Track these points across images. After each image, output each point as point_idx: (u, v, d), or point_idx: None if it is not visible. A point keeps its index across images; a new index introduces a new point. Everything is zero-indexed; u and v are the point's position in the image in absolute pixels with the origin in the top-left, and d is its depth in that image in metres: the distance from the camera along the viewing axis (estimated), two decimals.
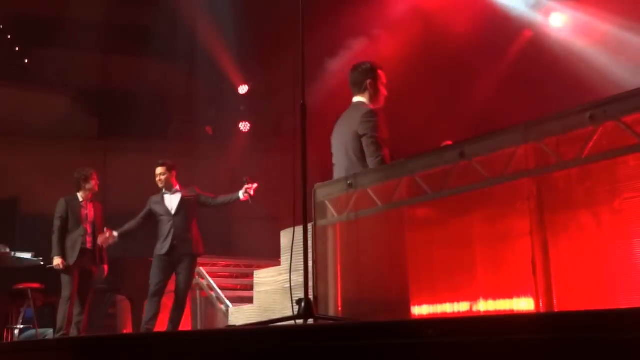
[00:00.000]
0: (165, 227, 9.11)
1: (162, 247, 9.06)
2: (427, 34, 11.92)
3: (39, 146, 13.63)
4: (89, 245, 9.08)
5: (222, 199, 9.30)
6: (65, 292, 8.85)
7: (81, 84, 14.52)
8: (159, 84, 14.13)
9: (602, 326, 2.55)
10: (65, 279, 8.89)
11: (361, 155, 5.78)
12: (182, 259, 9.01)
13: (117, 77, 14.16)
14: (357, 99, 5.99)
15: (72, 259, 8.89)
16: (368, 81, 5.97)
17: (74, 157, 12.07)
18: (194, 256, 9.13)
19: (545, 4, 11.71)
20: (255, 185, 9.01)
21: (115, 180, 12.75)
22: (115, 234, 9.07)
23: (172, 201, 9.21)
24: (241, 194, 9.00)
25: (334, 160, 6.13)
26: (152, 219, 9.25)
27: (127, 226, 9.21)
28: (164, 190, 9.28)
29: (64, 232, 8.98)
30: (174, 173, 9.28)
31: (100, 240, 9.01)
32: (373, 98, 5.98)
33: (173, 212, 9.14)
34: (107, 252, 9.36)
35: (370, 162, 5.67)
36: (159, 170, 9.28)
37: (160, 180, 9.25)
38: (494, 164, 4.53)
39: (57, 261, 8.84)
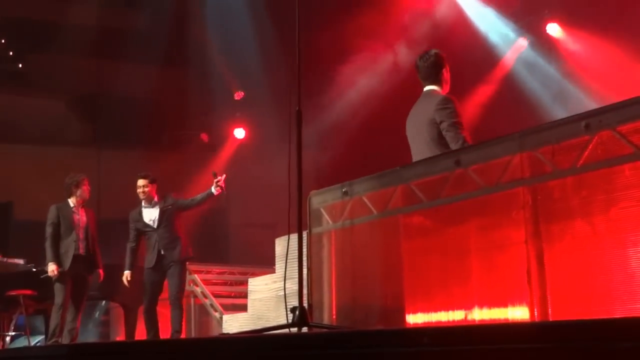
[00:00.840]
0: (151, 239, 9.19)
1: (151, 260, 9.14)
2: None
3: (33, 151, 13.62)
4: (81, 251, 9.02)
5: (199, 196, 9.37)
6: (58, 299, 8.81)
7: (75, 90, 14.51)
8: (154, 90, 14.13)
9: (597, 336, 2.56)
10: (58, 285, 8.85)
11: (439, 142, 5.71)
12: (170, 266, 9.04)
13: (111, 82, 14.15)
14: (429, 87, 5.91)
15: (66, 265, 8.85)
16: (442, 70, 5.97)
17: (67, 162, 12.05)
18: (183, 261, 9.15)
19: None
20: (224, 176, 9.12)
21: (109, 187, 12.74)
22: (128, 273, 9.16)
23: (152, 214, 9.25)
24: (213, 189, 9.07)
25: (412, 150, 6.04)
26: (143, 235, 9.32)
27: (130, 257, 9.27)
28: (143, 204, 9.31)
29: (57, 238, 8.95)
30: (155, 186, 9.31)
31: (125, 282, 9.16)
32: (444, 86, 5.98)
33: (155, 225, 9.20)
34: (101, 257, 9.34)
35: (453, 147, 5.55)
36: (142, 182, 9.30)
37: (143, 192, 9.26)
38: (490, 172, 4.54)
39: (51, 267, 8.80)
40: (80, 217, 9.12)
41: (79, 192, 9.16)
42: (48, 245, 8.94)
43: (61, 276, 8.85)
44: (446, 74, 6.02)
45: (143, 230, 9.25)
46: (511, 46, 12.25)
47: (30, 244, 9.70)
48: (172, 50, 13.58)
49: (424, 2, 12.27)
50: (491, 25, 12.18)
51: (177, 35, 13.35)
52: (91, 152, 13.70)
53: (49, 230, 8.99)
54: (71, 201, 9.16)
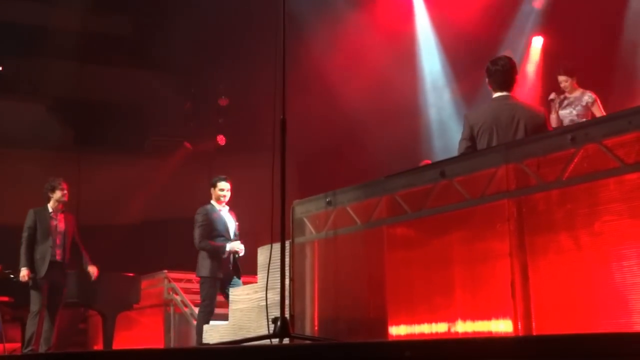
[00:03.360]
0: (225, 248, 8.69)
1: (216, 269, 8.64)
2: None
3: (11, 156, 13.53)
4: (58, 258, 8.94)
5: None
6: (34, 306, 8.74)
7: (56, 93, 14.44)
8: (136, 95, 14.10)
9: (581, 350, 2.57)
10: (34, 292, 8.78)
11: None
12: (231, 279, 8.69)
13: (93, 87, 14.10)
14: (502, 93, 5.72)
15: (42, 271, 8.78)
16: (516, 77, 5.89)
17: (47, 167, 11.96)
18: (239, 276, 8.83)
19: None
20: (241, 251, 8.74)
21: (90, 192, 12.68)
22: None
23: (230, 222, 8.90)
24: (229, 247, 8.67)
25: None
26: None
27: (207, 244, 8.71)
28: (217, 207, 8.91)
29: (32, 243, 8.87)
30: None
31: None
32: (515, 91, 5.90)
33: (232, 235, 8.83)
34: (90, 258, 9.22)
35: None
36: (227, 185, 8.93)
37: (225, 196, 8.88)
38: (475, 184, 4.56)
39: (23, 272, 8.71)
40: (58, 223, 9.05)
41: (55, 197, 9.08)
42: (23, 249, 8.87)
43: (37, 283, 8.78)
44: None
45: (216, 232, 8.79)
46: None
47: (7, 249, 9.60)
48: (155, 55, 13.54)
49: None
50: None
51: (161, 40, 13.31)
52: (71, 157, 13.61)
53: (24, 234, 8.93)
54: (50, 206, 9.10)
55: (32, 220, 8.96)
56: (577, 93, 8.07)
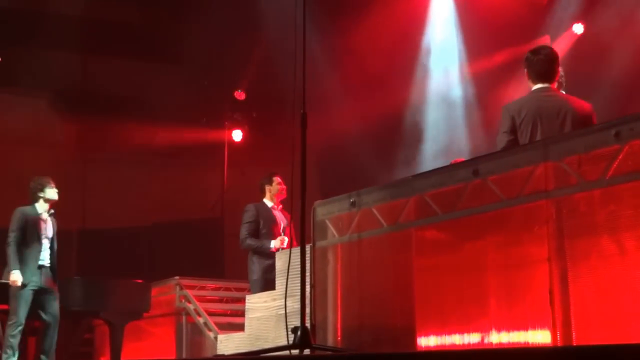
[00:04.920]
0: (265, 246, 8.67)
1: (265, 273, 8.51)
2: None
3: (10, 154, 13.65)
4: (46, 262, 8.86)
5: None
6: (16, 316, 8.61)
7: (59, 86, 14.54)
8: (146, 88, 14.16)
9: None
10: (20, 300, 8.64)
11: None
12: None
13: (99, 79, 14.19)
14: (543, 85, 5.69)
15: (28, 277, 8.68)
16: (558, 68, 5.84)
17: (49, 166, 12.07)
18: None
19: None
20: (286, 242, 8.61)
21: (95, 193, 12.78)
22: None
23: (282, 220, 8.88)
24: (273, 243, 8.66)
25: None
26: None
27: (255, 242, 8.74)
28: (268, 204, 8.94)
29: (21, 245, 8.80)
30: None
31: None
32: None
33: (283, 233, 8.75)
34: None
35: None
36: (279, 180, 8.94)
37: (281, 191, 8.91)
38: (510, 183, 4.58)
39: (14, 277, 8.62)
40: (47, 225, 8.99)
41: (44, 195, 8.96)
42: (11, 251, 8.76)
43: (23, 290, 8.69)
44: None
45: (262, 234, 8.78)
46: None
47: (4, 253, 9.68)
48: (165, 45, 13.60)
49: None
50: None
51: (171, 29, 13.38)
52: (75, 155, 13.72)
53: (12, 235, 8.80)
54: (38, 206, 9.02)
55: (21, 219, 8.87)
56: None
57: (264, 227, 8.82)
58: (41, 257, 8.86)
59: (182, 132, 14.50)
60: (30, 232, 8.89)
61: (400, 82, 12.52)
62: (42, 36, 13.44)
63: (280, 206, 9.00)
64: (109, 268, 9.48)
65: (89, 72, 14.34)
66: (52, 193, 9.01)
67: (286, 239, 8.63)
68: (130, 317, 10.12)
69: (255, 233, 8.79)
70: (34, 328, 9.29)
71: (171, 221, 13.46)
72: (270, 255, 8.49)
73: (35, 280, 8.77)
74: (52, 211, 9.10)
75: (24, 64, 13.94)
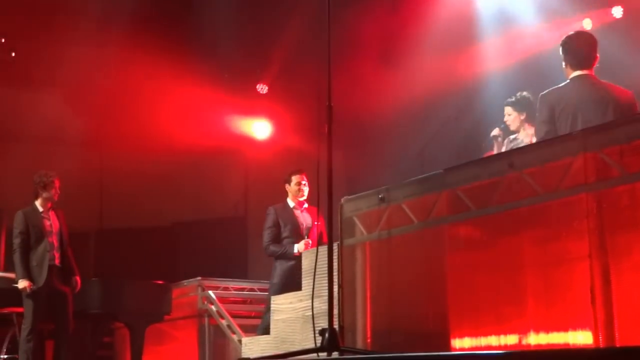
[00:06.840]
0: (289, 250, 8.71)
1: (292, 273, 8.39)
2: None
3: (27, 153, 13.75)
4: (57, 262, 8.82)
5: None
6: (29, 321, 8.62)
7: (76, 83, 14.64)
8: (164, 82, 14.21)
9: None
10: (30, 304, 8.63)
11: None
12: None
13: (118, 74, 14.26)
14: (582, 72, 5.65)
15: (40, 280, 8.67)
16: (596, 55, 5.77)
17: (67, 165, 12.15)
18: None
19: None
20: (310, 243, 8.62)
21: (113, 192, 12.84)
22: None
23: (306, 220, 8.92)
24: (296, 248, 8.67)
25: None
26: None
27: (278, 247, 8.79)
28: (290, 204, 8.98)
29: (27, 249, 8.74)
30: None
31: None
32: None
33: (306, 235, 8.78)
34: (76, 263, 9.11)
35: None
36: (303, 179, 8.93)
37: (303, 190, 8.91)
38: (548, 176, 4.54)
39: (23, 284, 8.59)
40: (52, 222, 8.94)
41: (45, 195, 8.90)
42: (17, 258, 8.75)
43: (34, 294, 8.66)
44: None
45: (284, 237, 8.83)
46: None
47: None
48: (188, 37, 13.63)
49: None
50: None
51: (193, 21, 13.42)
52: (93, 153, 13.80)
53: (16, 240, 8.80)
54: (38, 204, 8.97)
55: (23, 223, 8.81)
56: (528, 131, 7.27)
57: (285, 230, 8.88)
58: (50, 257, 8.81)
59: (204, 127, 14.54)
60: (34, 233, 8.85)
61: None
62: (59, 30, 13.53)
63: (305, 205, 8.99)
64: (128, 269, 9.50)
65: (108, 67, 14.40)
66: (49, 194, 8.91)
67: (310, 242, 8.63)
68: (151, 319, 10.15)
69: (277, 238, 8.86)
70: (50, 331, 9.34)
71: (192, 220, 13.50)
72: (294, 256, 8.52)
73: (45, 283, 8.72)
74: (52, 207, 9.01)
75: (40, 59, 14.05)
